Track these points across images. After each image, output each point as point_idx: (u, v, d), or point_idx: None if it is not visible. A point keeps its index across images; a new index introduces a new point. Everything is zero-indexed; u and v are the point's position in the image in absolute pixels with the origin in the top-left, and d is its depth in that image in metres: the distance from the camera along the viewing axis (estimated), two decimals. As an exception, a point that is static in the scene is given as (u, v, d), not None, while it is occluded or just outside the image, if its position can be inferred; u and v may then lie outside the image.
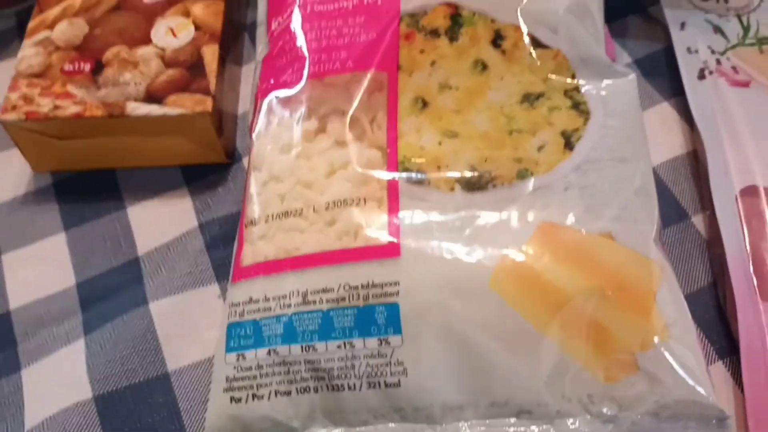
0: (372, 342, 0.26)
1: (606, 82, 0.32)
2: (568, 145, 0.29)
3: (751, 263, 0.31)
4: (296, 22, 0.34)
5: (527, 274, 0.26)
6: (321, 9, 0.34)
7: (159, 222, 0.36)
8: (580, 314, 0.25)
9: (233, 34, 0.40)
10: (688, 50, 0.38)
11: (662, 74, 0.39)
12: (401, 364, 0.26)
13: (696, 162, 0.36)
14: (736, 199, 0.32)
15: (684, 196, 0.35)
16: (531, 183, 0.28)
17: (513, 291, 0.26)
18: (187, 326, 0.33)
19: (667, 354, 0.25)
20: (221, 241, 0.35)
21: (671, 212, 0.35)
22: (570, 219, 0.27)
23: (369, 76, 0.32)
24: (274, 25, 0.35)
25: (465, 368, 0.26)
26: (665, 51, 0.40)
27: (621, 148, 0.29)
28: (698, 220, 0.34)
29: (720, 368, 0.30)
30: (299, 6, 0.35)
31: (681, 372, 0.25)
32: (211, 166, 0.38)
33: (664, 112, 0.38)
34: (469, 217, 0.28)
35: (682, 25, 0.39)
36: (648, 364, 0.25)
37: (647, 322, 0.25)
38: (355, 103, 0.31)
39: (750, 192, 0.32)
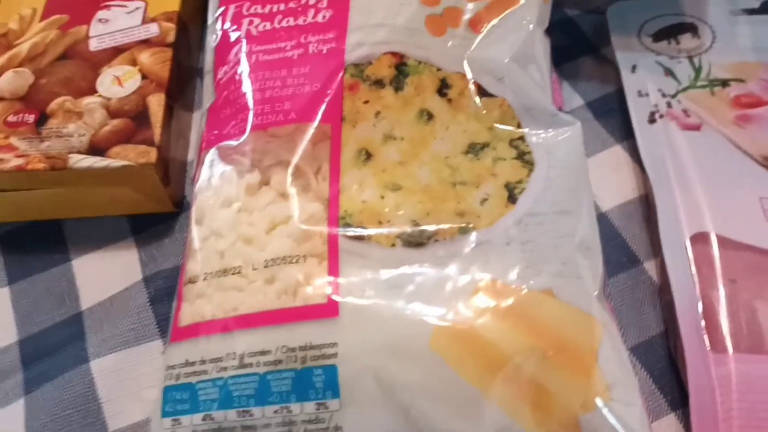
0: (310, 406, 0.26)
1: (551, 131, 0.31)
2: (511, 198, 0.29)
3: (701, 313, 0.30)
4: (241, 72, 0.34)
5: (467, 334, 0.25)
6: (266, 59, 0.34)
7: (104, 275, 0.35)
8: (520, 375, 0.25)
9: (184, 80, 0.40)
10: (639, 93, 0.37)
11: (615, 117, 0.39)
12: (340, 429, 0.25)
13: (648, 206, 0.36)
14: (687, 246, 0.32)
15: (635, 242, 0.35)
16: (472, 238, 0.28)
17: (453, 352, 0.25)
18: (129, 384, 0.32)
19: (609, 416, 0.24)
20: (166, 294, 0.34)
21: (623, 258, 0.34)
22: (511, 275, 0.27)
23: (313, 127, 0.31)
24: (220, 74, 0.35)
25: (406, 432, 0.25)
26: (618, 93, 0.40)
27: (563, 200, 0.29)
28: (650, 266, 0.34)
29: (672, 421, 0.30)
30: (245, 55, 0.34)
31: (624, 434, 0.24)
32: (159, 215, 0.37)
33: (617, 155, 0.38)
34: (409, 274, 0.27)
35: (633, 68, 0.39)
36: (590, 427, 0.24)
37: (588, 382, 0.25)
38: (298, 156, 0.31)
39: (701, 239, 0.32)
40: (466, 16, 0.34)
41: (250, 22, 0.36)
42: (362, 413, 0.25)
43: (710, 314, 0.30)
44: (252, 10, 0.36)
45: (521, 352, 0.25)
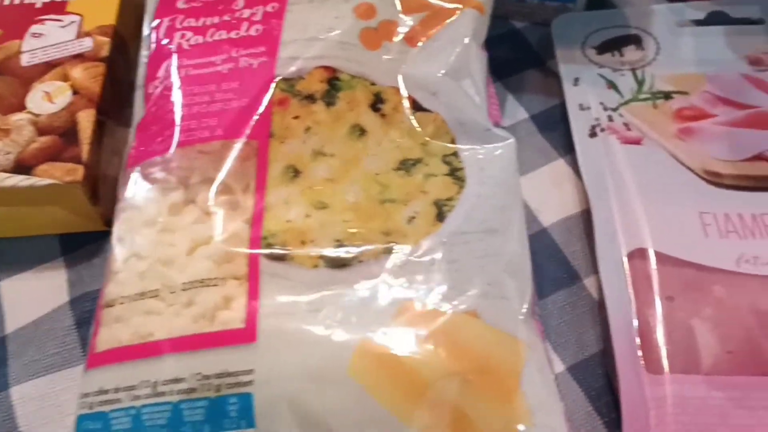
0: (224, 436, 0.25)
1: (484, 147, 0.31)
2: (440, 216, 0.28)
3: (636, 332, 0.30)
4: (170, 87, 0.33)
5: (387, 358, 0.25)
6: (196, 73, 0.33)
7: (31, 297, 0.34)
8: (441, 401, 0.24)
9: (120, 95, 0.39)
10: (581, 107, 0.37)
11: (559, 130, 0.38)
12: (255, 459, 0.24)
13: (589, 221, 0.35)
14: (624, 263, 0.31)
15: (576, 258, 0.34)
16: (397, 258, 0.27)
17: (372, 378, 0.24)
18: (51, 412, 0.31)
19: (530, 442, 0.24)
20: (92, 317, 0.33)
21: (563, 274, 0.34)
22: (434, 297, 0.26)
23: (240, 144, 0.30)
24: (150, 89, 0.34)
25: (325, 461, 0.24)
26: (562, 106, 0.39)
27: (492, 218, 0.28)
28: (590, 283, 0.33)
29: (608, 443, 0.29)
30: (176, 69, 0.34)
31: (547, 460, 0.24)
32: (91, 234, 0.36)
33: (559, 169, 0.37)
34: (331, 297, 0.26)
35: (576, 81, 0.38)
36: (512, 453, 0.24)
37: (509, 407, 0.24)
38: (225, 173, 0.30)
39: (638, 255, 0.32)
40: (402, 30, 0.34)
41: (182, 36, 0.35)
42: (278, 442, 0.24)
43: (646, 333, 0.29)
44: (185, 24, 0.35)
45: (442, 377, 0.24)
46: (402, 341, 0.25)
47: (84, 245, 0.36)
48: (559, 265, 0.34)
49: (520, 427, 0.24)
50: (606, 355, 0.31)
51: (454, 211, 0.28)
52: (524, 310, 0.26)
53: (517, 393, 0.24)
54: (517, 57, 0.42)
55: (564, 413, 0.25)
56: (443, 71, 0.32)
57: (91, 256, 0.35)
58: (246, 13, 0.35)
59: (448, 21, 0.33)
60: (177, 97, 0.32)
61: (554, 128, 0.39)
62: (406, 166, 0.30)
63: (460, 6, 0.34)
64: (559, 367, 0.31)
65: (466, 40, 0.33)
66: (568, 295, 0.33)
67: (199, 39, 0.35)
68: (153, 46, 0.35)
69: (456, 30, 0.33)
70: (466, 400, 0.24)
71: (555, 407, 0.25)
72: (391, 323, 0.25)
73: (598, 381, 0.31)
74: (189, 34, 0.35)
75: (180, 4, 0.37)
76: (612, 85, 0.38)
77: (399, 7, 0.34)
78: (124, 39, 0.40)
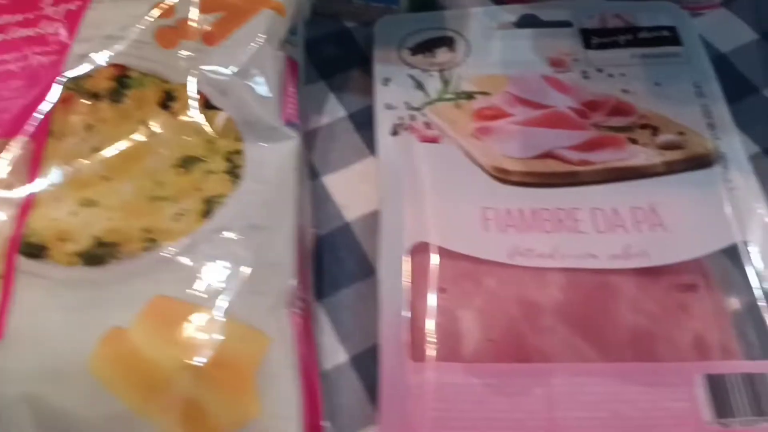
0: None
1: (266, 145, 0.32)
2: (207, 213, 0.29)
3: (407, 323, 0.31)
4: (-40, 85, 0.33)
5: (127, 354, 0.25)
6: (-13, 71, 0.33)
7: None
8: (177, 393, 0.25)
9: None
10: (387, 106, 0.38)
11: (372, 129, 0.40)
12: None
13: (386, 217, 0.36)
14: (404, 257, 0.33)
15: (374, 252, 0.35)
16: (155, 254, 0.28)
17: (111, 373, 0.25)
18: None
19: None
20: None
21: (358, 269, 0.35)
22: (187, 292, 0.27)
23: (16, 142, 0.30)
24: (-55, 87, 0.34)
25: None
26: (377, 105, 0.40)
27: (259, 215, 0.29)
28: (383, 277, 0.35)
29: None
30: (-31, 66, 0.33)
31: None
32: None
33: (368, 166, 0.38)
34: (85, 295, 0.27)
35: (386, 81, 0.39)
36: (244, 443, 0.25)
37: (241, 399, 0.25)
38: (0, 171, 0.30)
39: (421, 249, 0.33)
40: (200, 29, 0.34)
41: (-18, 33, 0.35)
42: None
43: (415, 324, 0.31)
44: (-12, 21, 0.35)
45: (179, 371, 0.25)
46: (145, 336, 0.26)
47: None
48: (357, 260, 0.35)
49: (252, 417, 0.25)
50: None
51: (222, 209, 0.29)
52: (278, 305, 0.27)
53: (251, 385, 0.25)
54: (345, 56, 0.43)
55: (298, 404, 0.26)
56: (234, 71, 0.33)
57: None
58: (50, 11, 0.35)
59: (245, 21, 0.34)
60: (-35, 94, 0.32)
61: (368, 127, 0.40)
62: (186, 164, 0.31)
63: (258, 7, 0.34)
64: (343, 357, 0.32)
65: (260, 41, 0.33)
66: (361, 289, 0.34)
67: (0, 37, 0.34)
68: (-46, 43, 0.35)
69: (251, 30, 0.34)
70: (200, 393, 0.25)
71: (291, 398, 0.26)
72: (135, 319, 0.26)
73: (376, 371, 0.32)
74: (-11, 31, 0.35)
75: (-12, 1, 0.36)
76: (420, 86, 0.39)
77: (197, 6, 0.34)
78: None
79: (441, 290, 0.32)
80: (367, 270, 0.35)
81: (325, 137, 0.40)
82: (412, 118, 0.37)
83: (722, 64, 0.41)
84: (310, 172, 0.38)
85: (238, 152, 0.31)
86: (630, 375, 0.29)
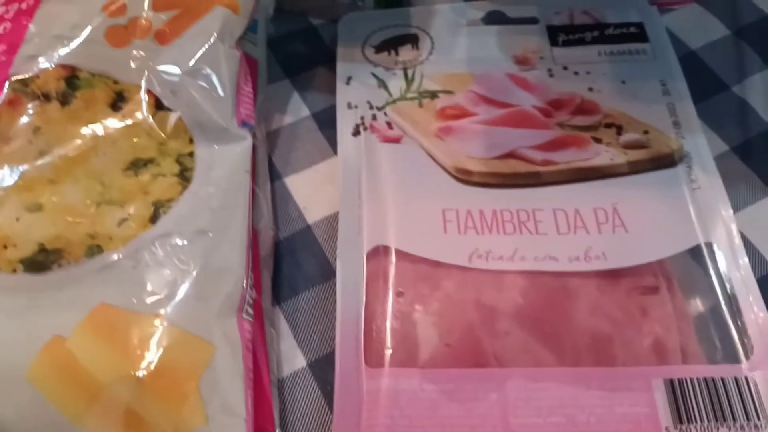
0: None
1: (218, 147, 0.31)
2: (154, 218, 0.28)
3: (362, 327, 0.30)
4: None
5: (67, 363, 0.25)
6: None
7: None
8: (115, 403, 0.24)
9: None
10: (349, 105, 0.37)
11: (335, 128, 0.39)
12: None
13: (348, 219, 0.35)
14: (363, 260, 0.32)
15: (334, 255, 0.35)
16: (99, 261, 0.27)
17: (50, 382, 0.24)
18: None
19: (199, 442, 0.24)
20: None
21: (318, 272, 0.34)
22: (130, 300, 0.26)
23: (-40, 147, 0.30)
24: None
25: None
26: (341, 104, 0.39)
27: (206, 219, 0.28)
28: (342, 280, 0.34)
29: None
30: None
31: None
32: None
33: (332, 167, 0.38)
34: (26, 302, 0.26)
35: (348, 79, 0.39)
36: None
37: (182, 408, 0.24)
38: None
39: (379, 252, 0.32)
40: (152, 27, 0.33)
41: (-70, 33, 0.34)
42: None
43: (370, 328, 0.30)
44: (-61, 21, 0.34)
45: (118, 380, 0.24)
46: (85, 344, 0.25)
47: None
48: (317, 263, 0.35)
49: (197, 427, 0.24)
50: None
51: (168, 213, 0.28)
52: (225, 311, 0.27)
53: (194, 393, 0.24)
54: (311, 54, 0.42)
55: (245, 412, 0.25)
56: (185, 70, 0.32)
57: None
58: (1, 10, 0.35)
59: (198, 20, 0.33)
60: None
61: (333, 126, 0.39)
62: (136, 166, 0.30)
63: (211, 4, 0.34)
64: (301, 363, 0.32)
65: (213, 40, 0.33)
66: (320, 292, 0.34)
67: (-53, 37, 0.34)
68: None
69: (204, 29, 0.33)
70: (140, 402, 0.24)
71: (236, 406, 0.25)
72: (77, 327, 0.25)
73: (333, 377, 0.31)
74: (-61, 31, 0.34)
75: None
76: (382, 85, 0.38)
77: (149, 4, 0.34)
78: None
79: (398, 294, 0.31)
80: (327, 273, 0.34)
81: (288, 137, 0.39)
82: (374, 117, 0.37)
83: (692, 61, 0.41)
84: (272, 172, 0.38)
85: (189, 154, 0.31)
86: (587, 380, 0.29)
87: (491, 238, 0.32)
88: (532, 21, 0.41)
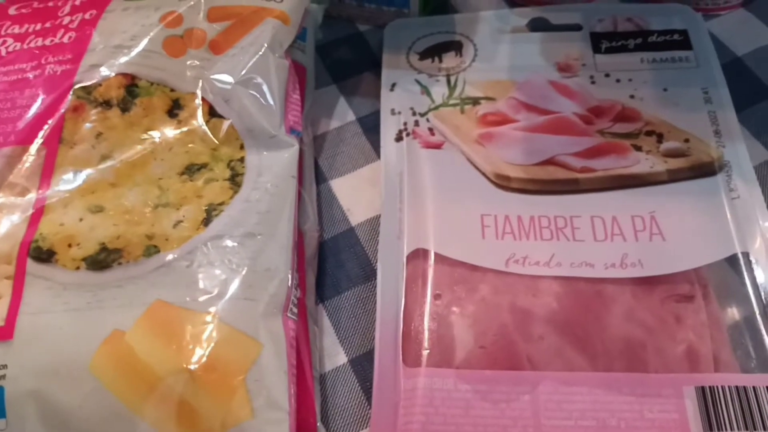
0: (-23, 426, 0.27)
1: (267, 153, 0.32)
2: (206, 221, 0.30)
3: (401, 328, 0.31)
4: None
5: (125, 355, 0.27)
6: (6, 80, 0.35)
7: None
8: (170, 394, 0.26)
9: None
10: (392, 111, 0.39)
11: (379, 133, 0.40)
12: (6, 449, 0.26)
13: (390, 222, 0.37)
14: (403, 263, 0.33)
15: (375, 256, 0.36)
16: (156, 260, 0.29)
17: (111, 373, 0.26)
18: None
19: (247, 434, 0.26)
20: None
21: (360, 272, 0.36)
22: (184, 297, 0.28)
23: (30, 149, 0.32)
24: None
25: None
26: (385, 109, 0.41)
27: (254, 223, 0.30)
28: (383, 281, 0.35)
29: (371, 434, 0.31)
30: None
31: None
32: None
33: (375, 171, 0.39)
34: (89, 298, 0.28)
35: (393, 86, 0.40)
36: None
37: (230, 402, 0.26)
38: (11, 178, 0.31)
39: (419, 255, 0.33)
40: (207, 38, 0.35)
41: (3, 43, 0.36)
42: (27, 434, 0.26)
43: (408, 329, 0.31)
44: (9, 31, 0.37)
45: (172, 373, 0.26)
46: (143, 338, 0.27)
47: None
48: (359, 264, 0.36)
49: (240, 420, 0.26)
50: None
51: (220, 216, 0.30)
52: (271, 311, 0.28)
53: (241, 389, 0.26)
54: (358, 59, 0.44)
55: (289, 409, 0.27)
56: (237, 79, 0.33)
57: None
58: (66, 20, 0.37)
59: (250, 30, 0.35)
60: (-17, 102, 0.34)
61: (377, 131, 0.40)
62: (191, 171, 0.32)
63: (263, 16, 0.35)
64: (343, 359, 0.33)
65: (264, 50, 0.34)
66: (361, 292, 0.35)
67: (18, 46, 0.36)
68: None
69: (255, 39, 0.35)
70: (192, 394, 0.26)
71: (280, 402, 0.27)
72: (137, 322, 0.27)
73: (372, 374, 0.33)
74: (10, 41, 0.36)
75: (11, 11, 0.38)
76: (426, 91, 0.39)
77: (205, 15, 0.35)
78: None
79: (436, 296, 0.32)
80: (369, 274, 0.36)
81: (334, 141, 0.41)
82: (417, 123, 0.38)
83: (737, 67, 0.41)
84: (318, 175, 0.39)
85: (240, 160, 0.32)
86: (619, 385, 0.29)
87: (528, 244, 0.33)
88: (576, 28, 0.41)
